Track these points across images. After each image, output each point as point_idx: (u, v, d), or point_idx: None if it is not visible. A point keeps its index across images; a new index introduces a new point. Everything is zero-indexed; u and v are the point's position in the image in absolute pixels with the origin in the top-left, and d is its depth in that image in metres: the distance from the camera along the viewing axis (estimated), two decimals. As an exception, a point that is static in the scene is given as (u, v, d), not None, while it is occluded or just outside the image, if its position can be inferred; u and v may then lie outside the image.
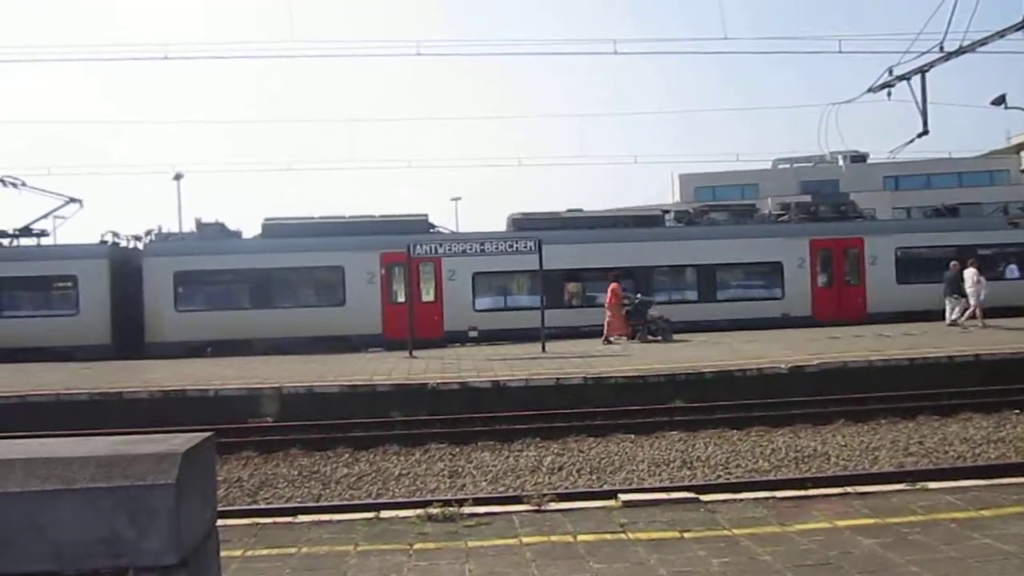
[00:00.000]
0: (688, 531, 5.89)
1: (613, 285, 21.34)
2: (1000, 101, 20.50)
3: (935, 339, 18.34)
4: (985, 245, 25.33)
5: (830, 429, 12.01)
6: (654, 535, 5.82)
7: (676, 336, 21.08)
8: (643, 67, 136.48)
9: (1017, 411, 12.63)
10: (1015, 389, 13.69)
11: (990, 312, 22.65)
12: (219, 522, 2.70)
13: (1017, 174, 56.14)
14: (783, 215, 27.11)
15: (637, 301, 21.59)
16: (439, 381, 14.76)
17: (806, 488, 7.44)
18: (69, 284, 22.90)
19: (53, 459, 2.11)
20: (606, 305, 21.23)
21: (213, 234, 24.18)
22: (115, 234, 24.27)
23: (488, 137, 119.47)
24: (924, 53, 17.94)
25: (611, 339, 20.90)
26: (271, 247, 23.38)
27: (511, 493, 8.90)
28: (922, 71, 18.45)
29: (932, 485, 7.02)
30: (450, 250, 20.55)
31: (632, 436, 11.88)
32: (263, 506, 8.97)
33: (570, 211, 26.19)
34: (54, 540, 2.04)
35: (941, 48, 17.31)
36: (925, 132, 19.52)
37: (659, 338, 20.99)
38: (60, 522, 2.04)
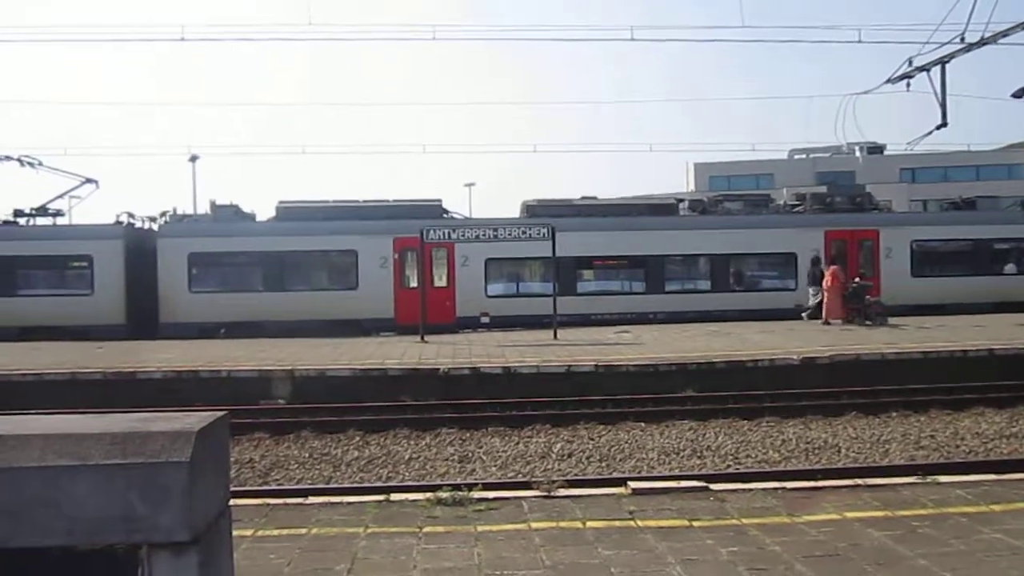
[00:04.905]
0: (697, 520, 5.89)
1: (833, 268, 21.33)
2: (1021, 94, 20.23)
3: (950, 333, 18.23)
4: (1002, 239, 25.18)
5: (841, 421, 11.98)
6: (663, 523, 5.83)
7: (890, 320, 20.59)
8: (659, 56, 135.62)
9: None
10: (1029, 384, 13.60)
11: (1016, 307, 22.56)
12: (231, 502, 2.72)
13: (1035, 168, 55.62)
14: (798, 206, 26.94)
15: (856, 285, 21.38)
16: (450, 366, 14.79)
17: (816, 479, 7.42)
18: (84, 264, 23.04)
19: (69, 435, 2.13)
20: (825, 288, 21.17)
21: (227, 216, 24.26)
22: (130, 215, 24.43)
23: (503, 123, 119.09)
24: (944, 44, 17.73)
25: (830, 321, 20.80)
26: (285, 230, 23.45)
27: (521, 479, 8.93)
28: (942, 62, 18.23)
29: (943, 479, 7.00)
30: (463, 235, 20.55)
31: (642, 424, 11.87)
32: (274, 487, 9.05)
33: (584, 199, 26.13)
34: (69, 515, 2.06)
35: (962, 39, 17.10)
36: (944, 124, 19.33)
37: (870, 322, 20.60)
38: (75, 498, 2.06)
